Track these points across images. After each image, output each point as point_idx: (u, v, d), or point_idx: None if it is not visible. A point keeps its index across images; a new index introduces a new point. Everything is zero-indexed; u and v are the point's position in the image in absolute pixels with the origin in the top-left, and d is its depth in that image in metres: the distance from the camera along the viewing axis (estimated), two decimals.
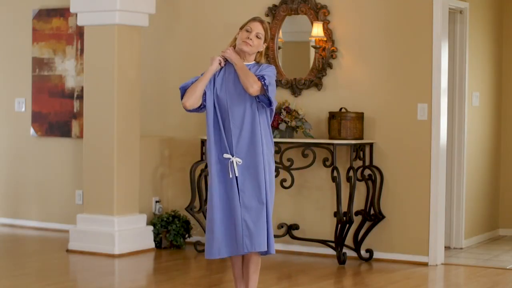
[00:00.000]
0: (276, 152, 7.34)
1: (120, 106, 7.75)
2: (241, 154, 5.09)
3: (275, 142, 6.94)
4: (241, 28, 5.17)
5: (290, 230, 7.79)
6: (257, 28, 5.13)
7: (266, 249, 5.08)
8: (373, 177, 7.46)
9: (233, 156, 5.09)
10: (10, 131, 9.32)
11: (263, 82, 5.03)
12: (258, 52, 5.19)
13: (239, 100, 5.10)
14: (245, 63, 5.15)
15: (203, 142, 7.77)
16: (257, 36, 5.12)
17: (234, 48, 5.18)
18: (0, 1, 9.39)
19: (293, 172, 7.58)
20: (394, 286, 6.53)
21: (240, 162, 5.08)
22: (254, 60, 5.20)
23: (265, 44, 5.19)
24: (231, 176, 5.07)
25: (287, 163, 7.57)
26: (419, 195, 7.38)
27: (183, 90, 5.15)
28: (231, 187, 5.09)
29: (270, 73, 5.10)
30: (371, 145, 7.55)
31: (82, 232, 7.82)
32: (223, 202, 5.11)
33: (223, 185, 5.12)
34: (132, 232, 7.84)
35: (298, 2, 7.80)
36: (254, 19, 5.17)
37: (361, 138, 7.50)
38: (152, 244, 8.02)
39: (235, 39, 5.19)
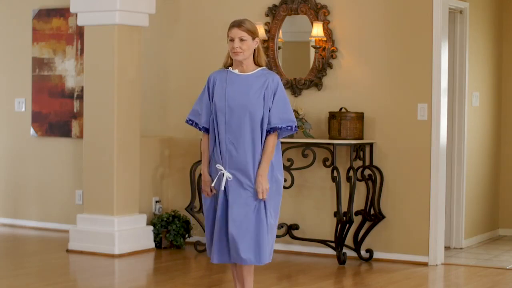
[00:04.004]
0: None
1: (120, 106, 7.75)
2: (234, 167, 4.98)
3: None
4: (228, 36, 5.04)
5: (290, 230, 7.79)
6: (237, 33, 4.97)
7: (250, 263, 5.01)
8: (373, 177, 7.46)
9: (225, 169, 5.01)
10: (10, 131, 9.32)
11: (293, 128, 5.02)
12: (254, 50, 5.05)
13: (239, 114, 4.98)
14: (248, 73, 5.03)
15: None
16: (241, 40, 4.98)
17: (232, 60, 5.07)
18: (0, 1, 9.39)
19: (293, 172, 7.58)
20: (394, 286, 6.53)
21: (230, 178, 4.98)
22: (254, 63, 5.06)
23: (256, 39, 5.03)
24: (217, 187, 5.03)
25: (287, 163, 7.57)
26: (419, 195, 7.38)
27: (190, 123, 5.16)
28: (217, 198, 5.05)
29: (287, 101, 5.03)
30: (371, 145, 7.55)
31: (82, 232, 7.82)
32: (212, 212, 5.11)
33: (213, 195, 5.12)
34: (132, 232, 7.84)
35: (298, 2, 7.80)
36: (231, 26, 5.01)
37: (361, 138, 7.50)
38: (152, 244, 8.02)
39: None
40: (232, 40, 4.99)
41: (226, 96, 5.01)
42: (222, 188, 5.01)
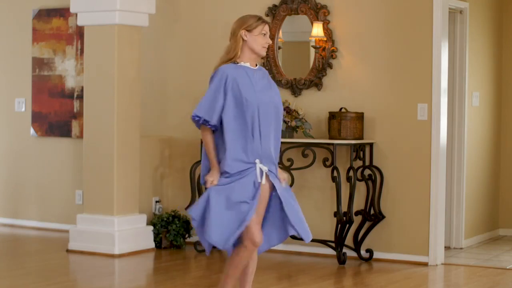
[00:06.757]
0: None
1: (120, 106, 7.75)
2: (266, 160, 4.94)
3: None
4: (248, 30, 4.96)
5: None
6: (268, 30, 5.04)
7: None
8: (373, 177, 7.46)
9: (260, 163, 4.93)
10: (10, 131, 9.32)
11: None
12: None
13: (268, 108, 4.94)
14: (253, 67, 4.98)
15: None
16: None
17: (232, 59, 5.00)
18: (0, 1, 9.39)
19: (293, 172, 7.58)
20: (394, 286, 6.53)
21: (266, 170, 4.93)
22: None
23: None
24: (259, 180, 4.93)
25: (287, 163, 7.57)
26: (419, 195, 7.38)
27: (197, 119, 5.00)
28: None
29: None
30: (371, 145, 7.55)
31: (82, 232, 7.82)
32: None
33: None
34: (132, 232, 7.84)
35: (298, 2, 7.80)
36: (263, 22, 5.02)
37: (361, 138, 7.50)
38: (152, 244, 8.02)
39: (239, 40, 4.96)
40: (265, 35, 4.98)
41: (256, 92, 4.91)
42: (263, 181, 4.90)
